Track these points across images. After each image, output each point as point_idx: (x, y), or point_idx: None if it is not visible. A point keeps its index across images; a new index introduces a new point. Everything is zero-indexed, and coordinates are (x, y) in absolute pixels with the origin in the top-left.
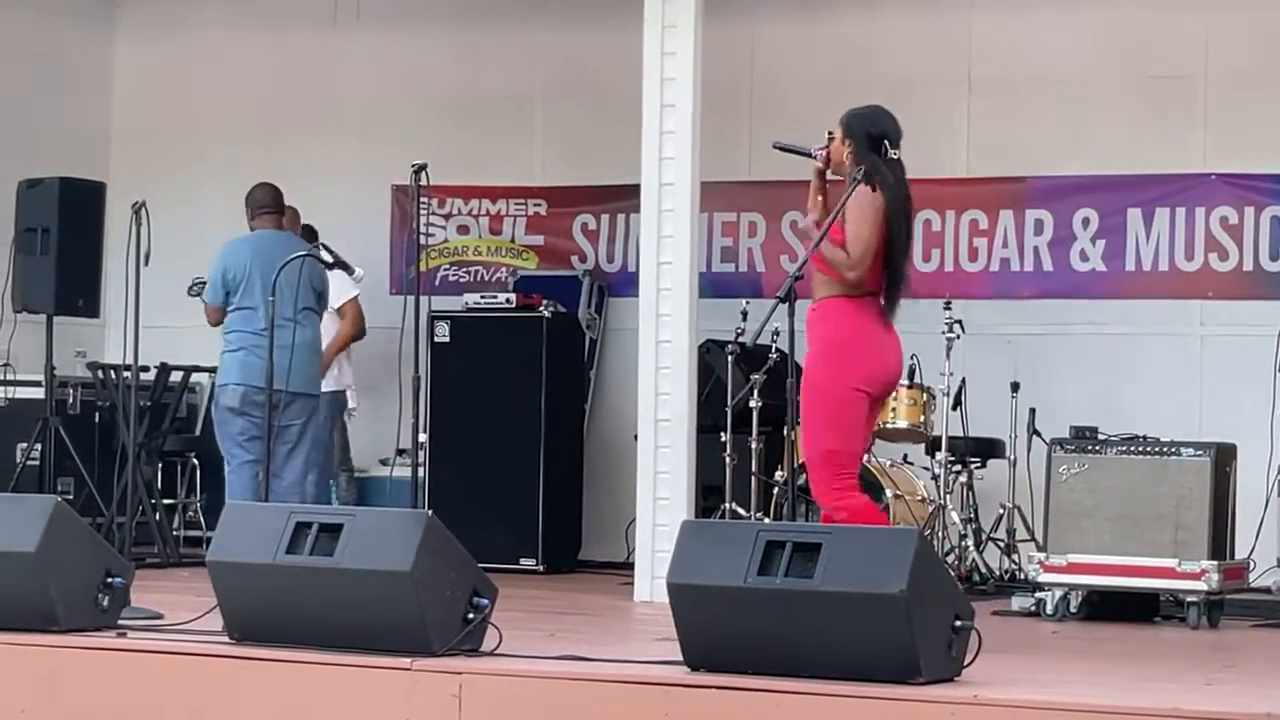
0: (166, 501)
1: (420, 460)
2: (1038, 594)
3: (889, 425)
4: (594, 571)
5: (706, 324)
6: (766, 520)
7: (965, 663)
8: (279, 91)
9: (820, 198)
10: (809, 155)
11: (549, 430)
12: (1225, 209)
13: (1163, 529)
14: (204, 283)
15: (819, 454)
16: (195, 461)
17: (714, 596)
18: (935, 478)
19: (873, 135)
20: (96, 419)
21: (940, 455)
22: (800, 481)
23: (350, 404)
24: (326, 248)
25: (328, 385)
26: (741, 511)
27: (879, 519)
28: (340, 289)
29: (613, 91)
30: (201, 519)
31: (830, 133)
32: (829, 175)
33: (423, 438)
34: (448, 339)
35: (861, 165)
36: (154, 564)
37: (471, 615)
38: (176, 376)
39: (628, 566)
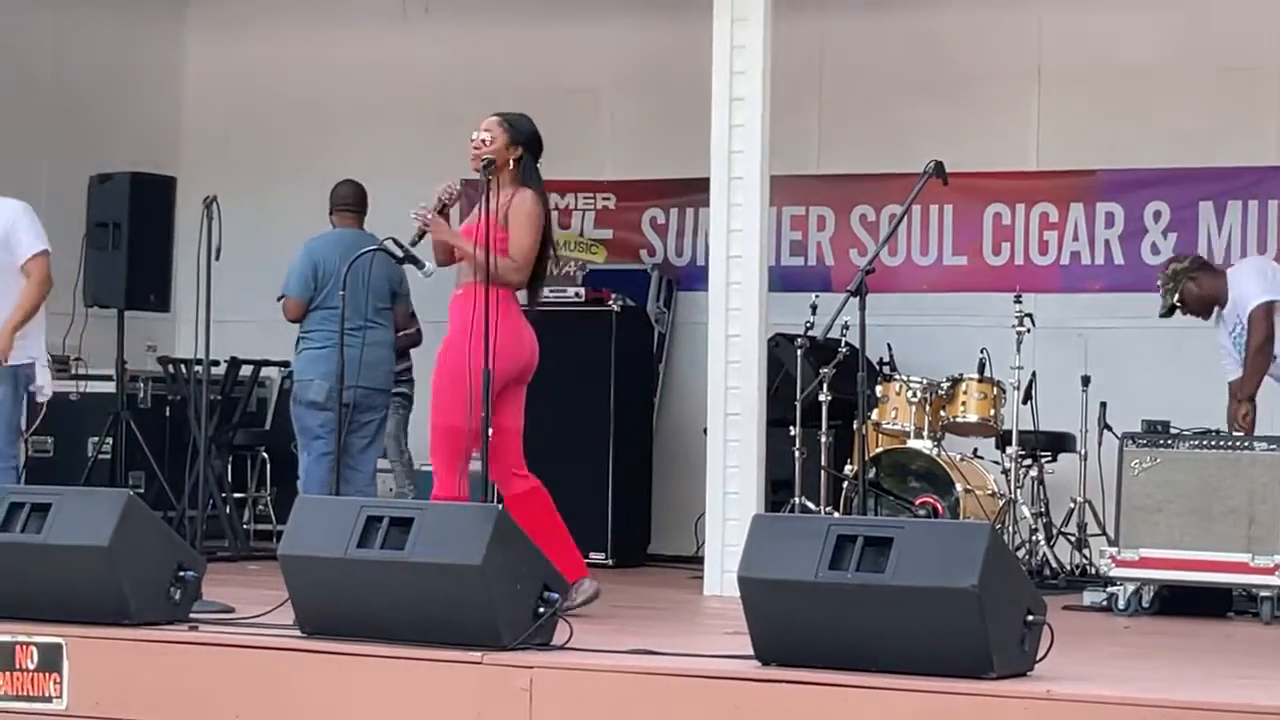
0: (237, 495)
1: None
2: (1109, 589)
3: (959, 419)
4: (663, 565)
5: (776, 318)
6: (836, 514)
7: (1037, 657)
8: (347, 86)
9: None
10: (423, 228)
11: (618, 424)
12: None
13: (1235, 523)
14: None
15: (441, 428)
16: (265, 455)
17: (785, 591)
18: (1005, 472)
19: (537, 137)
20: (167, 413)
21: (1011, 449)
22: (871, 475)
23: (39, 380)
24: (396, 241)
25: (16, 359)
26: (811, 506)
27: (457, 498)
28: (30, 243)
29: (682, 85)
30: (272, 512)
31: (484, 136)
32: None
33: (492, 432)
34: None
35: (529, 170)
36: (224, 557)
37: (542, 609)
38: (246, 371)
39: (697, 560)
